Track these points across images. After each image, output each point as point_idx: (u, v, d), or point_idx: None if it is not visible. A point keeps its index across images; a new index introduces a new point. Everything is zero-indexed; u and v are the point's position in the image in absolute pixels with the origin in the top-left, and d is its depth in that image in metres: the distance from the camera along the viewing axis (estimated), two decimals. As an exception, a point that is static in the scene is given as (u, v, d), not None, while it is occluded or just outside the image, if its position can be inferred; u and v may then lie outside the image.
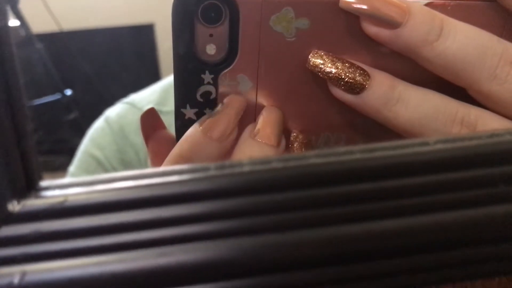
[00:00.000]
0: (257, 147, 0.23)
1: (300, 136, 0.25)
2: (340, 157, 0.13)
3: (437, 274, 0.14)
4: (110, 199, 0.13)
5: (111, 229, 0.13)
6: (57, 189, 0.13)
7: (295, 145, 0.25)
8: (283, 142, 0.25)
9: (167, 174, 0.13)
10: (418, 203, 0.13)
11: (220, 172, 0.13)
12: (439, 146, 0.14)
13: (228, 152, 0.25)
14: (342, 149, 0.14)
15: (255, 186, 0.13)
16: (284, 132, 0.25)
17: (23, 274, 0.13)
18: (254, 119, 0.25)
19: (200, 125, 0.24)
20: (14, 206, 0.13)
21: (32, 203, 0.13)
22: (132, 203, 0.13)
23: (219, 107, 0.24)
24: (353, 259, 0.13)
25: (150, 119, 0.27)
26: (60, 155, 1.72)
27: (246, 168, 0.13)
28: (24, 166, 0.13)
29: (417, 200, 0.13)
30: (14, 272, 0.13)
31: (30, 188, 0.13)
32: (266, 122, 0.24)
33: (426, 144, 0.14)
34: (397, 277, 0.14)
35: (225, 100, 0.24)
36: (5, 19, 0.13)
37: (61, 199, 0.13)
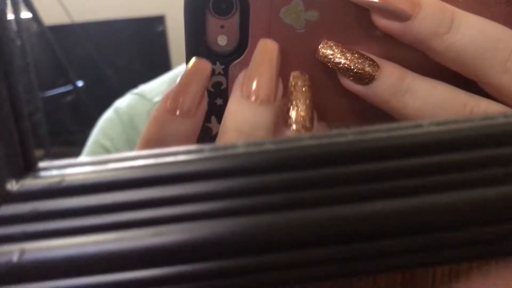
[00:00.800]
0: (250, 108, 0.21)
1: (300, 81, 0.23)
2: (333, 139, 0.14)
3: (432, 255, 0.14)
4: (106, 180, 0.13)
5: (107, 208, 0.13)
6: (55, 170, 0.14)
7: (293, 94, 0.22)
8: (280, 90, 0.22)
9: (162, 155, 0.14)
10: (412, 184, 0.13)
11: (214, 153, 0.14)
12: (433, 128, 0.14)
13: (199, 129, 0.23)
14: (335, 131, 0.14)
15: (249, 168, 0.13)
16: (282, 74, 0.23)
17: (22, 252, 0.13)
18: None
19: (165, 101, 0.22)
20: (13, 186, 0.13)
21: (30, 183, 0.13)
22: (128, 183, 0.13)
23: (181, 76, 0.22)
24: (347, 240, 0.13)
25: None
26: (71, 147, 1.74)
27: (240, 150, 0.14)
28: (22, 147, 0.14)
29: (411, 182, 0.13)
30: (13, 250, 0.13)
31: (29, 168, 0.14)
32: (260, 73, 0.22)
33: (419, 126, 0.14)
34: (392, 257, 0.14)
35: (187, 67, 0.23)
36: (18, 11, 0.14)
37: (58, 179, 0.13)
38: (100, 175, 0.13)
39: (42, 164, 0.14)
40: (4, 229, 0.13)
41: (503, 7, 0.23)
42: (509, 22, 0.22)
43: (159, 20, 1.94)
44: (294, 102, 0.22)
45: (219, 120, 0.25)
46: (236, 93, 0.22)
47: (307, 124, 0.22)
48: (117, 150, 0.60)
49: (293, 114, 0.22)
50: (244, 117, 0.21)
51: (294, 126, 0.22)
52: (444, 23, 0.21)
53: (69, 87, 1.78)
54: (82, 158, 0.14)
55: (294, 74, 0.23)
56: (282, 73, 0.23)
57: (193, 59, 0.23)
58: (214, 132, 0.25)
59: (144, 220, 0.13)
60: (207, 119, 0.25)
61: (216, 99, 0.25)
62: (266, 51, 0.22)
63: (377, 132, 0.14)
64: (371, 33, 0.23)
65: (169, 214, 0.13)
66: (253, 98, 0.21)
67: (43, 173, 0.14)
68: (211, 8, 0.23)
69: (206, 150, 0.14)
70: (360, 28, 0.23)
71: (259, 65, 0.22)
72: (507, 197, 0.13)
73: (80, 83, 1.81)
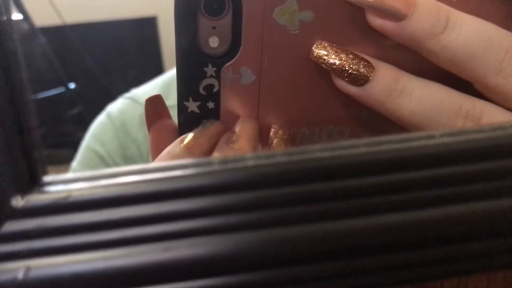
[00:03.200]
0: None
1: (280, 132, 0.25)
2: (345, 151, 0.13)
3: (446, 267, 0.14)
4: (114, 194, 0.13)
5: (115, 224, 0.13)
6: (61, 184, 0.13)
7: (274, 141, 0.24)
8: (259, 148, 0.25)
9: (171, 168, 0.13)
10: (424, 196, 0.13)
11: (224, 166, 0.13)
12: (445, 139, 0.14)
13: None
14: (347, 142, 0.14)
15: (260, 181, 0.13)
16: (265, 128, 0.25)
17: (28, 269, 0.13)
18: (257, 112, 0.24)
19: (181, 142, 0.24)
20: (18, 202, 0.13)
21: (36, 198, 0.13)
22: (136, 198, 0.13)
23: (201, 126, 0.25)
24: (361, 253, 0.13)
25: (155, 106, 0.27)
26: (63, 149, 1.72)
27: (250, 163, 0.13)
28: (27, 162, 0.13)
29: (423, 194, 0.13)
30: (19, 267, 0.13)
31: (34, 183, 0.13)
32: (241, 132, 0.24)
33: (432, 137, 0.14)
34: (406, 270, 0.14)
35: (206, 124, 0.25)
36: (8, 12, 0.13)
37: (64, 194, 0.13)
38: (108, 190, 0.13)
39: (47, 178, 0.14)
40: (9, 246, 0.13)
41: (497, 7, 0.23)
42: (503, 22, 0.22)
43: (151, 21, 1.93)
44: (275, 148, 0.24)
45: None
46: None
47: None
48: (110, 154, 0.60)
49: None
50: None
51: None
52: (440, 23, 0.21)
53: (61, 89, 1.76)
54: (88, 172, 0.14)
55: (274, 127, 0.25)
56: (277, 77, 0.24)
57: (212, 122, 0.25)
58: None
59: (153, 235, 0.13)
60: (198, 123, 0.25)
61: (208, 102, 0.24)
62: (244, 127, 0.25)
63: (389, 143, 0.14)
64: (366, 34, 0.23)
65: (178, 229, 0.13)
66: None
67: (48, 188, 0.13)
68: (202, 8, 0.22)
69: (215, 163, 0.13)
70: (355, 29, 0.23)
71: (239, 139, 0.24)
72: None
73: (72, 85, 1.79)
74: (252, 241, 0.13)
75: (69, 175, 0.14)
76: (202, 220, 0.13)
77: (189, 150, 0.24)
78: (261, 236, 0.13)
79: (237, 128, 0.24)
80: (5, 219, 0.13)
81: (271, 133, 0.25)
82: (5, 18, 0.13)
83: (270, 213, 0.13)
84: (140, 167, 0.14)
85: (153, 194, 0.13)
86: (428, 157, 0.13)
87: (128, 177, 0.13)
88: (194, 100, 0.24)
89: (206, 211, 0.13)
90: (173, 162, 0.14)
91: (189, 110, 0.25)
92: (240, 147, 0.24)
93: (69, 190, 0.13)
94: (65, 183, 0.13)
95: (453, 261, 0.14)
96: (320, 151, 0.13)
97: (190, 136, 0.24)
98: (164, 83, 0.61)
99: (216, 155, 0.24)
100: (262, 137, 0.25)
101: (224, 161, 0.13)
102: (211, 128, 0.24)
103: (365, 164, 0.13)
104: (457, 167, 0.13)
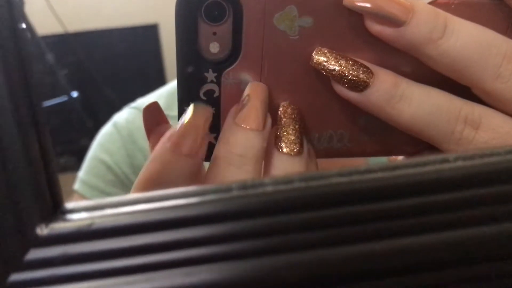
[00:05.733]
0: (242, 133, 0.23)
1: (289, 109, 0.24)
2: (361, 176, 0.14)
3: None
4: (136, 221, 0.13)
5: (137, 250, 0.13)
6: (83, 212, 0.14)
7: (283, 120, 0.24)
8: (269, 122, 0.24)
9: (191, 195, 0.14)
10: (441, 220, 0.13)
11: (243, 192, 0.14)
12: (460, 163, 0.14)
13: (201, 165, 0.24)
14: (363, 167, 0.14)
15: (279, 207, 0.13)
16: (273, 105, 0.24)
17: (52, 296, 0.13)
18: None
19: (168, 141, 0.23)
20: (43, 230, 0.13)
21: (59, 226, 0.13)
22: (157, 224, 0.13)
23: (184, 118, 0.23)
24: (379, 276, 0.13)
25: (152, 113, 0.27)
26: (67, 157, 1.73)
27: (269, 188, 0.14)
28: (50, 189, 0.13)
29: (440, 217, 0.13)
30: (44, 294, 0.13)
31: (56, 210, 0.14)
32: (250, 106, 0.23)
33: (446, 161, 0.14)
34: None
35: (188, 110, 0.23)
36: (24, 21, 0.14)
37: (88, 222, 0.13)
38: (129, 217, 0.13)
39: (68, 205, 0.14)
40: (34, 273, 0.13)
41: (494, 13, 0.23)
42: (501, 28, 0.23)
43: (152, 29, 1.94)
44: (284, 128, 0.24)
45: (211, 129, 0.25)
46: (229, 120, 0.24)
47: (297, 147, 0.23)
48: (117, 164, 0.60)
49: (283, 138, 0.23)
50: (236, 140, 0.23)
51: (284, 149, 0.23)
52: (438, 28, 0.21)
53: (64, 98, 1.77)
54: (109, 199, 0.14)
55: (283, 104, 0.24)
56: (277, 83, 0.24)
57: (192, 106, 0.23)
58: (206, 141, 0.25)
59: (174, 260, 0.13)
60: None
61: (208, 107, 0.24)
62: (255, 88, 0.24)
63: (404, 168, 0.14)
64: (365, 40, 0.23)
65: (200, 255, 0.13)
66: (244, 125, 0.23)
67: (71, 216, 0.13)
68: (203, 14, 0.23)
69: (234, 188, 0.14)
70: (354, 35, 0.23)
71: (251, 99, 0.23)
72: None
73: (75, 94, 1.80)
74: (273, 267, 0.13)
75: (90, 202, 0.14)
76: (223, 245, 0.13)
77: (175, 148, 0.22)
78: (281, 261, 0.13)
79: (247, 91, 0.24)
80: (30, 246, 0.13)
81: (279, 112, 0.24)
82: (24, 26, 0.14)
83: (290, 238, 0.13)
84: (161, 193, 0.14)
85: (173, 221, 0.13)
86: (443, 181, 0.14)
87: (149, 204, 0.14)
88: None
89: (227, 236, 0.13)
90: (193, 188, 0.14)
91: None
92: (249, 123, 0.23)
93: (92, 218, 0.13)
94: (87, 210, 0.14)
95: (470, 283, 0.14)
96: (337, 176, 0.14)
97: (172, 131, 0.23)
98: (169, 93, 0.62)
99: (224, 136, 0.23)
100: (274, 123, 0.24)
101: (243, 187, 0.14)
102: (193, 119, 0.23)
103: (382, 189, 0.13)
104: (472, 191, 0.14)
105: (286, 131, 0.24)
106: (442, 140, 0.22)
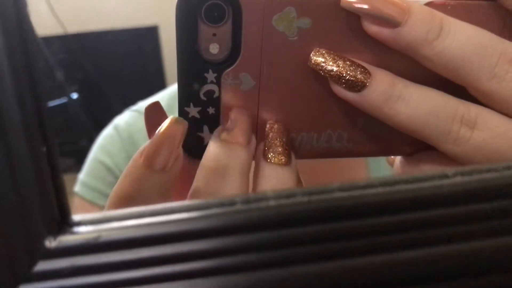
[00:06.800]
0: (226, 148, 0.23)
1: (276, 126, 0.25)
2: (362, 191, 0.14)
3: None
4: (143, 234, 0.14)
5: (144, 262, 0.13)
6: (90, 225, 0.14)
7: (270, 135, 0.25)
8: (253, 140, 0.25)
9: (196, 209, 0.14)
10: (440, 234, 0.14)
11: (246, 206, 0.14)
12: (458, 179, 0.14)
13: (175, 181, 0.24)
14: (363, 182, 0.14)
15: (282, 220, 0.14)
16: (273, 107, 0.25)
17: (60, 307, 0.13)
18: (257, 118, 0.25)
19: (139, 158, 0.23)
20: (51, 242, 0.13)
21: (67, 239, 0.13)
22: (163, 237, 0.14)
23: (159, 132, 0.23)
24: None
25: (154, 113, 0.27)
26: (66, 158, 1.73)
27: (272, 203, 0.14)
28: (58, 202, 0.14)
29: (439, 232, 0.14)
30: (51, 306, 0.13)
31: (64, 223, 0.14)
32: (234, 122, 0.24)
33: (445, 176, 0.14)
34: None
35: (160, 128, 0.23)
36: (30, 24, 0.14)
37: (95, 234, 0.13)
38: (136, 230, 0.14)
39: (76, 218, 0.14)
40: (42, 284, 0.13)
41: (490, 14, 0.23)
42: (496, 29, 0.23)
43: (153, 31, 1.95)
44: (272, 141, 0.24)
45: (211, 129, 0.25)
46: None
47: (284, 157, 0.24)
48: (117, 166, 0.60)
49: (271, 150, 0.24)
50: (219, 154, 0.23)
51: (272, 160, 0.24)
52: (434, 29, 0.21)
53: (64, 100, 1.77)
54: (116, 211, 0.14)
55: (269, 122, 0.25)
56: (276, 83, 0.24)
57: (168, 120, 0.23)
58: (205, 142, 0.25)
59: (181, 273, 0.13)
60: (199, 128, 0.25)
61: (208, 107, 0.25)
62: (240, 113, 0.25)
63: (404, 183, 0.14)
64: (363, 41, 0.23)
65: (206, 267, 0.13)
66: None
67: (79, 229, 0.14)
68: (203, 16, 0.23)
69: (238, 202, 0.14)
70: (352, 36, 0.23)
71: (235, 122, 0.24)
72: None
73: (75, 95, 1.80)
74: (276, 280, 0.13)
75: (97, 215, 0.14)
76: (227, 259, 0.13)
77: (148, 164, 0.22)
78: (284, 274, 0.13)
79: (229, 120, 0.24)
80: (39, 259, 0.13)
81: (267, 127, 0.25)
82: (31, 25, 0.14)
83: (292, 252, 0.13)
84: (167, 206, 0.14)
85: (178, 234, 0.14)
86: (442, 196, 0.14)
87: (154, 218, 0.14)
88: (195, 106, 0.25)
89: (231, 250, 0.13)
90: (198, 202, 0.14)
91: (190, 116, 0.25)
92: (233, 138, 0.24)
93: (99, 230, 0.14)
94: (94, 223, 0.14)
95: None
96: (338, 190, 0.14)
97: (146, 145, 0.23)
98: (170, 96, 0.62)
99: (209, 151, 0.24)
100: (262, 139, 0.25)
101: (247, 201, 0.14)
102: (165, 134, 0.23)
103: (382, 203, 0.14)
104: (470, 206, 0.14)
105: (274, 143, 0.24)
106: (439, 139, 0.23)
